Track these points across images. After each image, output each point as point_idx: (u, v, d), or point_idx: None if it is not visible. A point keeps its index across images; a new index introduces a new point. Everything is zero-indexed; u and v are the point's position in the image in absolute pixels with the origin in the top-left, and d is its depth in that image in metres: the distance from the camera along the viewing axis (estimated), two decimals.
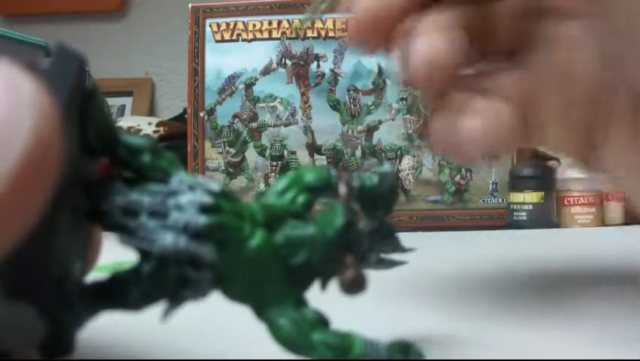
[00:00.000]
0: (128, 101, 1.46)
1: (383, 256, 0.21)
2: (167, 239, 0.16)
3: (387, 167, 0.18)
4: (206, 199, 0.16)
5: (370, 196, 0.19)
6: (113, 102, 1.40)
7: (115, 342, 0.22)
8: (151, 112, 1.49)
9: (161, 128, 0.89)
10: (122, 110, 1.42)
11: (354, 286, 0.15)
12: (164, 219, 0.16)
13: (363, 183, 0.19)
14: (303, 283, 0.17)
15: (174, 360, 0.20)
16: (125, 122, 0.91)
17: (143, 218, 0.16)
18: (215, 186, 0.17)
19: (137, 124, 0.89)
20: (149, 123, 0.90)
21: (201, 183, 0.17)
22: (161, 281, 0.16)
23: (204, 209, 0.16)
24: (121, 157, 0.17)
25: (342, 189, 0.17)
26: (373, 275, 0.18)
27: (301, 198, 0.18)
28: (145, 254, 0.16)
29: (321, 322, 0.17)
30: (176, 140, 0.85)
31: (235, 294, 0.17)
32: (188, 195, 0.16)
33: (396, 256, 0.21)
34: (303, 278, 0.17)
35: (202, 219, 0.16)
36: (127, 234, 0.16)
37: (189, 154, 0.78)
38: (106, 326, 0.19)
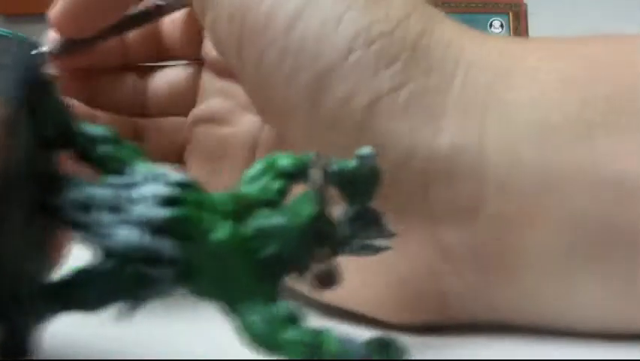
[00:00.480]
0: None
1: (367, 242, 0.19)
2: (125, 235, 0.15)
3: (367, 150, 0.17)
4: (167, 191, 0.15)
5: (350, 181, 0.18)
6: None
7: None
8: None
9: None
10: None
11: (325, 280, 0.14)
12: (123, 213, 0.15)
13: (342, 168, 0.17)
14: (275, 277, 0.16)
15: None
16: None
17: (100, 212, 0.15)
18: (179, 177, 0.16)
19: None
20: None
21: (163, 173, 0.16)
22: (120, 280, 0.15)
23: (165, 201, 0.15)
24: (80, 148, 0.16)
25: (316, 175, 0.16)
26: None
27: (275, 185, 0.17)
28: (102, 251, 0.15)
29: (295, 318, 0.16)
30: None
31: (202, 291, 0.16)
32: (148, 187, 0.15)
33: (381, 242, 0.20)
34: (274, 272, 0.16)
35: (162, 213, 0.15)
36: (82, 230, 0.15)
37: None
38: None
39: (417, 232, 0.21)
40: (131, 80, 0.28)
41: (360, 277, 0.22)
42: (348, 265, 0.20)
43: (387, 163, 0.20)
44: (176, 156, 0.28)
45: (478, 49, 0.22)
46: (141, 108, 0.28)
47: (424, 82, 0.20)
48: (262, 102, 0.23)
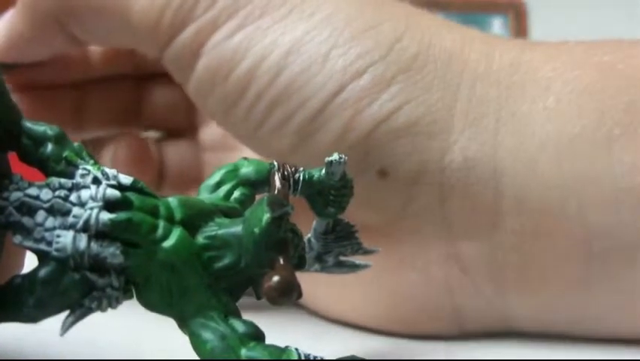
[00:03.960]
0: None
1: (343, 258, 0.18)
2: (66, 239, 0.14)
3: (335, 156, 0.16)
4: (112, 193, 0.14)
5: (319, 191, 0.17)
6: None
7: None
8: None
9: None
10: None
11: (278, 293, 0.13)
12: (65, 217, 0.14)
13: (308, 176, 0.16)
14: (233, 290, 0.15)
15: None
16: None
17: (41, 216, 0.14)
18: (126, 179, 0.15)
19: None
20: None
21: (109, 175, 0.14)
22: (60, 288, 0.14)
23: (110, 205, 0.14)
24: (25, 148, 0.15)
25: (276, 182, 0.15)
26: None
27: (237, 193, 0.16)
28: (43, 257, 0.14)
29: (254, 336, 0.15)
30: None
31: (152, 304, 0.15)
32: (92, 190, 0.14)
33: (358, 259, 0.19)
34: (231, 285, 0.15)
35: (106, 217, 0.14)
36: (21, 233, 0.14)
37: None
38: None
39: (434, 246, 0.20)
40: (126, 91, 0.27)
41: (369, 293, 0.21)
42: (353, 279, 0.20)
43: (399, 181, 0.20)
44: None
45: (485, 60, 0.21)
46: (136, 120, 0.27)
47: (424, 100, 0.20)
48: (255, 148, 0.22)
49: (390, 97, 0.20)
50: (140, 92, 0.27)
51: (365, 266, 0.19)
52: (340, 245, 0.18)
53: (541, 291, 0.20)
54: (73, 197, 0.14)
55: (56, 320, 0.14)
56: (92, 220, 0.14)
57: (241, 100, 0.20)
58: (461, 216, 0.20)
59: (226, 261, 0.15)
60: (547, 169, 0.19)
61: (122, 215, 0.14)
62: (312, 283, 0.19)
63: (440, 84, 0.20)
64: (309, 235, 0.18)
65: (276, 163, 0.16)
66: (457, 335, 0.21)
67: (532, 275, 0.20)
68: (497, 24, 0.80)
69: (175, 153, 0.27)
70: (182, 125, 0.27)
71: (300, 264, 0.16)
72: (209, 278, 0.15)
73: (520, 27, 0.78)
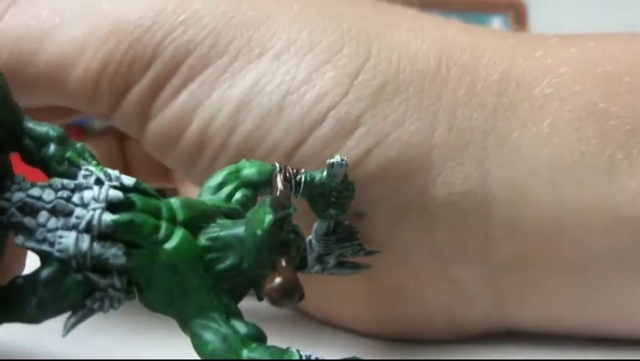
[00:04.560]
0: None
1: (344, 259, 0.18)
2: (68, 240, 0.14)
3: (337, 158, 0.16)
4: (115, 194, 0.14)
5: (320, 193, 0.17)
6: None
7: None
8: None
9: None
10: None
11: (280, 295, 0.13)
12: (67, 217, 0.14)
13: (310, 178, 0.16)
14: (234, 291, 0.15)
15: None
16: None
17: (43, 216, 0.14)
18: (128, 180, 0.15)
19: None
20: None
21: (112, 176, 0.14)
22: (62, 289, 0.14)
23: (112, 206, 0.14)
24: (27, 149, 0.15)
25: (278, 184, 0.15)
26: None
27: (239, 195, 0.16)
28: (45, 258, 0.14)
29: (256, 337, 0.15)
30: None
31: (154, 305, 0.15)
32: (94, 190, 0.14)
33: (359, 260, 0.19)
34: (233, 286, 0.15)
35: (108, 218, 0.14)
36: (24, 234, 0.14)
37: None
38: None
39: (426, 271, 0.19)
40: None
41: (367, 309, 0.21)
42: (349, 288, 0.19)
43: (379, 222, 0.18)
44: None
45: (468, 78, 0.19)
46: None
47: (397, 137, 0.18)
48: None
49: (356, 143, 0.18)
50: None
51: (366, 267, 0.19)
52: (341, 246, 0.18)
53: (540, 308, 0.20)
54: (75, 198, 0.14)
55: (58, 321, 0.14)
56: (95, 221, 0.14)
57: (197, 162, 0.19)
58: (451, 247, 0.19)
59: (228, 262, 0.15)
60: (542, 196, 0.18)
61: (124, 216, 0.14)
62: (313, 288, 0.19)
63: (414, 115, 0.18)
64: (310, 237, 0.18)
65: (277, 165, 0.16)
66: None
67: (530, 295, 0.20)
68: (497, 24, 0.80)
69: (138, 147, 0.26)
70: None
71: (302, 265, 0.16)
72: (211, 279, 0.15)
73: (520, 27, 0.78)
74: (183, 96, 0.19)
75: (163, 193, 0.27)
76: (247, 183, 0.16)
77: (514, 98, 0.19)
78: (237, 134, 0.18)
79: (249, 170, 0.17)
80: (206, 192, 0.16)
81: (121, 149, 0.26)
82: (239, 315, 0.15)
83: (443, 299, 0.20)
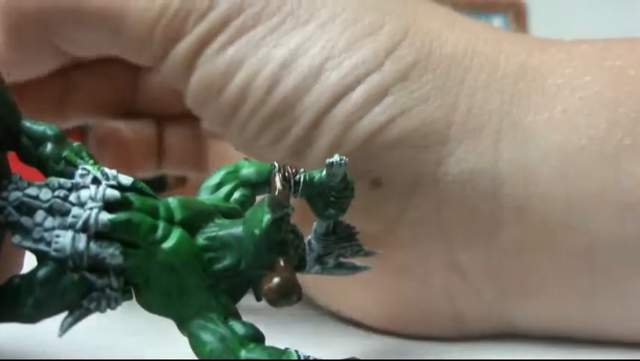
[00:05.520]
0: None
1: (343, 260, 0.18)
2: (65, 240, 0.14)
3: (336, 157, 0.16)
4: (112, 194, 0.14)
5: (319, 193, 0.17)
6: None
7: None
8: None
9: None
10: None
11: (278, 295, 0.13)
12: (64, 217, 0.14)
13: (309, 178, 0.16)
14: (233, 292, 0.15)
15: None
16: None
17: (40, 216, 0.14)
18: (125, 179, 0.14)
19: None
20: None
21: (109, 175, 0.14)
22: (58, 289, 0.14)
23: (109, 205, 0.14)
24: (24, 148, 0.15)
25: (277, 183, 0.15)
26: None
27: (237, 194, 0.16)
28: (42, 257, 0.14)
29: (254, 338, 0.14)
30: None
31: (151, 305, 0.15)
32: (91, 190, 0.14)
33: (358, 260, 0.19)
34: (231, 286, 0.15)
35: (105, 217, 0.14)
36: (20, 233, 0.14)
37: None
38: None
39: (433, 255, 0.20)
40: (119, 76, 0.26)
41: (372, 295, 0.21)
42: (356, 282, 0.20)
43: (393, 191, 0.19)
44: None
45: (488, 66, 0.20)
46: (130, 107, 0.27)
47: (420, 111, 0.19)
48: (253, 157, 0.21)
49: (383, 110, 0.19)
50: (135, 77, 0.27)
51: (365, 268, 0.19)
52: (340, 247, 0.18)
53: (543, 300, 0.20)
54: (72, 197, 0.14)
55: (55, 321, 0.14)
56: (92, 220, 0.14)
57: (235, 115, 0.20)
58: (458, 227, 0.20)
59: (226, 262, 0.15)
60: (550, 181, 0.19)
61: (121, 215, 0.14)
62: (318, 279, 0.19)
63: (438, 94, 0.19)
64: (310, 237, 0.18)
65: (276, 164, 0.16)
66: (457, 338, 0.21)
67: (533, 284, 0.20)
68: (497, 24, 0.80)
69: (176, 135, 0.27)
70: (183, 111, 0.26)
71: (301, 265, 0.16)
72: (209, 279, 0.15)
73: (520, 27, 0.78)
74: (230, 51, 0.20)
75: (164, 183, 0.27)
76: (246, 183, 0.16)
77: (529, 86, 0.20)
78: (276, 92, 0.19)
79: (247, 170, 0.16)
80: (205, 191, 0.16)
81: (159, 135, 0.27)
82: (237, 315, 0.15)
83: (448, 289, 0.20)
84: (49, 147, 0.14)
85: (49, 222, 0.14)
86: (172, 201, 0.15)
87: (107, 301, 0.14)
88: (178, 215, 0.15)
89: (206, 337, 0.14)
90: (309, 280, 0.20)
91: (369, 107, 0.19)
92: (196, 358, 0.14)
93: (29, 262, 0.15)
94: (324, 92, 0.19)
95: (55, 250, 0.14)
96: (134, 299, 0.15)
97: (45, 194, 0.14)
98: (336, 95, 0.19)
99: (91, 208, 0.14)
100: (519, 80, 0.20)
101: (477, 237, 0.20)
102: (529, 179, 0.19)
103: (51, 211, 0.14)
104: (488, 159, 0.19)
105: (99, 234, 0.14)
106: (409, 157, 0.19)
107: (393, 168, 0.19)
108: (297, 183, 0.16)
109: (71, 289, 0.14)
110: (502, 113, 0.20)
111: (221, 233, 0.15)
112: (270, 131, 0.19)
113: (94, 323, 0.15)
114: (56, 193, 0.14)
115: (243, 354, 0.14)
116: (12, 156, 0.15)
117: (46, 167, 0.14)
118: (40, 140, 0.15)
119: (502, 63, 0.20)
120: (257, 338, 0.14)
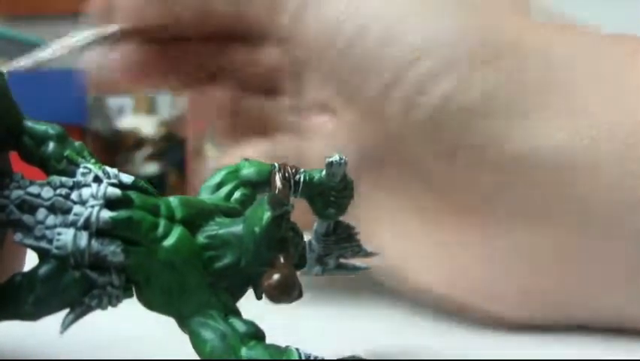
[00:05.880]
0: (126, 100, 1.44)
1: (343, 260, 0.18)
2: (67, 237, 0.14)
3: (336, 157, 0.16)
4: (113, 192, 0.14)
5: (319, 193, 0.17)
6: (113, 102, 1.39)
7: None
8: (152, 111, 1.47)
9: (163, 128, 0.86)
10: (121, 110, 1.41)
11: (278, 291, 0.13)
12: (65, 215, 0.14)
13: (309, 178, 0.16)
14: (233, 289, 0.15)
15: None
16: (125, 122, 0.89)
17: (42, 214, 0.14)
18: (126, 178, 0.15)
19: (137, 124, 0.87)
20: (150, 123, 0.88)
21: (110, 174, 0.14)
22: (60, 286, 0.14)
23: (110, 203, 0.14)
24: (26, 147, 0.15)
25: (277, 182, 0.15)
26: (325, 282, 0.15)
27: (238, 194, 0.16)
28: (43, 255, 0.14)
29: (254, 335, 0.15)
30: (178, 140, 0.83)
31: (152, 303, 0.15)
32: (93, 188, 0.14)
33: (358, 261, 0.19)
34: (232, 284, 0.15)
35: (107, 215, 0.14)
36: (22, 231, 0.14)
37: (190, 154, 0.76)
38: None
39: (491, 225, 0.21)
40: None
41: (488, 275, 0.22)
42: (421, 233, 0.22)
43: (461, 162, 0.21)
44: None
45: (567, 61, 0.21)
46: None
47: (496, 83, 0.20)
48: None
49: (455, 77, 0.20)
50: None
51: (365, 268, 0.19)
52: (341, 247, 0.18)
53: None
54: (74, 195, 0.14)
55: (56, 319, 0.14)
56: (93, 218, 0.14)
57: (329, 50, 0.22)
58: (523, 203, 0.20)
59: (226, 260, 0.15)
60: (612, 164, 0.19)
61: (122, 213, 0.14)
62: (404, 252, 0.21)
63: (514, 75, 0.20)
64: (310, 237, 0.18)
65: (277, 164, 0.16)
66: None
67: None
68: None
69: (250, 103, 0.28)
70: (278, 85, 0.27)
71: (301, 263, 0.16)
72: (210, 277, 0.15)
73: None
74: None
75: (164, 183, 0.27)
76: (246, 183, 0.16)
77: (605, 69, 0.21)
78: (370, 35, 0.21)
79: (247, 169, 0.17)
80: (205, 191, 0.16)
81: (235, 100, 0.27)
82: (237, 313, 0.15)
83: (551, 270, 0.21)
84: (51, 146, 0.15)
85: (51, 220, 0.14)
86: (173, 199, 0.15)
87: (108, 299, 0.14)
88: (179, 213, 0.15)
89: (207, 334, 0.14)
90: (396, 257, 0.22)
91: (443, 75, 0.20)
92: (197, 358, 0.14)
93: (31, 260, 0.15)
94: (404, 50, 0.21)
95: (57, 248, 0.14)
96: (135, 298, 0.15)
97: (47, 192, 0.14)
98: (414, 56, 0.21)
99: (92, 206, 0.14)
100: (594, 63, 0.21)
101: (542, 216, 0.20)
102: (593, 163, 0.20)
103: (53, 209, 0.14)
104: (559, 139, 0.20)
105: (100, 231, 0.14)
106: (483, 126, 0.20)
107: (465, 136, 0.20)
108: (297, 182, 0.16)
109: (72, 286, 0.14)
110: (580, 93, 0.20)
111: (221, 231, 0.15)
112: (355, 77, 0.22)
113: (94, 323, 0.15)
114: (58, 191, 0.14)
115: (244, 352, 0.14)
116: (14, 156, 0.15)
117: (47, 166, 0.15)
118: (42, 139, 0.15)
119: (579, 49, 0.21)
120: (258, 335, 0.15)
